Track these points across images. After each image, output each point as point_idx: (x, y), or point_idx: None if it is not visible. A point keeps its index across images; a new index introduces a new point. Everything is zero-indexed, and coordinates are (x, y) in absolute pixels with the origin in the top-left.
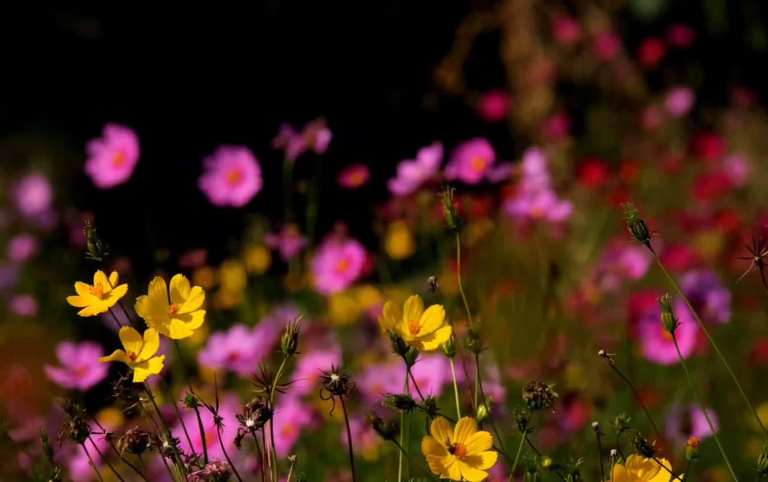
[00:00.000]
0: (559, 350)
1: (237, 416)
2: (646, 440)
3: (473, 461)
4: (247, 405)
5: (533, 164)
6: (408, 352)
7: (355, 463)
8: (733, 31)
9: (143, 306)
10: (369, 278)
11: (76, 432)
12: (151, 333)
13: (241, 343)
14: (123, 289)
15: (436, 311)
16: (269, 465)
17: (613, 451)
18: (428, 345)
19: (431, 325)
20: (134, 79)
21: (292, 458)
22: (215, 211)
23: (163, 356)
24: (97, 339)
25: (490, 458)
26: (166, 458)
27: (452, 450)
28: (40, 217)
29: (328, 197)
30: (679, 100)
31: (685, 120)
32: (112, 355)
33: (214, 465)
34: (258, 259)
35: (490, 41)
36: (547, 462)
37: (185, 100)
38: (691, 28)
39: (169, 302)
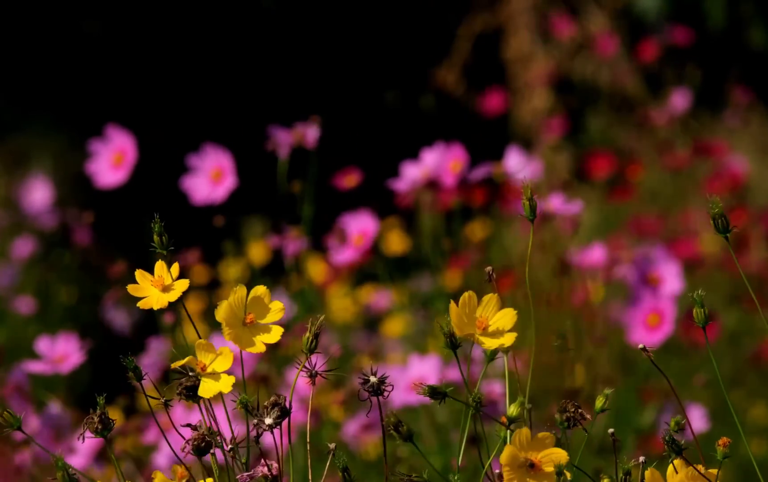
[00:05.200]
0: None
1: (255, 414)
2: (677, 439)
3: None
4: (266, 404)
5: (513, 162)
6: (458, 347)
7: (354, 463)
8: (733, 30)
9: (222, 311)
10: (367, 276)
11: (99, 427)
12: (226, 349)
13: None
14: (185, 283)
15: (509, 315)
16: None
17: (641, 458)
18: (489, 343)
19: (502, 325)
20: (134, 78)
21: (332, 445)
22: (213, 209)
23: (233, 378)
24: (98, 339)
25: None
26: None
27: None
28: (41, 217)
29: (327, 196)
30: (679, 100)
31: (685, 119)
32: (185, 360)
33: (266, 467)
34: (256, 256)
35: (490, 41)
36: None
37: (183, 99)
38: (690, 27)
39: (245, 312)
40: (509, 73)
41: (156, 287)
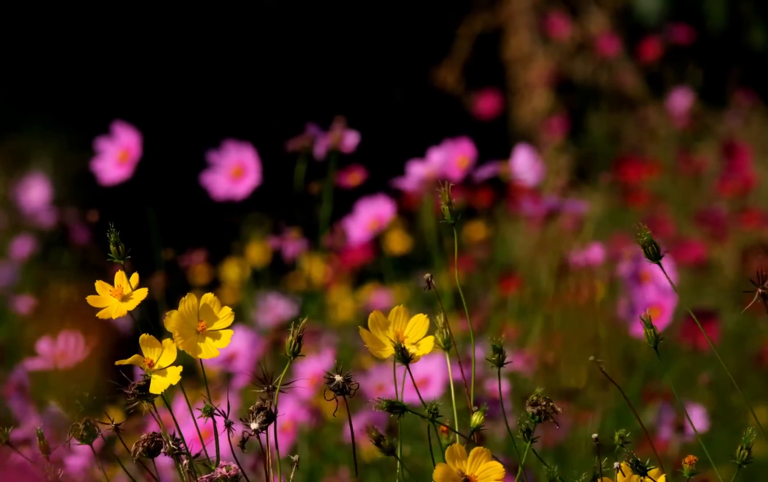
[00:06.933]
0: (556, 347)
1: (241, 418)
2: (640, 459)
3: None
4: (252, 408)
5: (521, 161)
6: (411, 361)
7: (355, 463)
8: (733, 31)
9: (172, 320)
10: (369, 275)
11: (84, 434)
12: (169, 342)
13: (240, 343)
14: (143, 292)
15: (421, 321)
16: (271, 464)
17: (615, 464)
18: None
19: (416, 334)
20: (134, 78)
21: (295, 458)
22: (218, 208)
23: (180, 367)
24: (98, 339)
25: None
26: (171, 458)
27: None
28: (40, 216)
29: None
30: (680, 100)
31: (686, 119)
32: (130, 359)
33: (224, 468)
34: (259, 255)
35: (490, 41)
36: None
37: (186, 98)
38: (690, 27)
39: (199, 319)
40: (509, 74)
41: (115, 296)
